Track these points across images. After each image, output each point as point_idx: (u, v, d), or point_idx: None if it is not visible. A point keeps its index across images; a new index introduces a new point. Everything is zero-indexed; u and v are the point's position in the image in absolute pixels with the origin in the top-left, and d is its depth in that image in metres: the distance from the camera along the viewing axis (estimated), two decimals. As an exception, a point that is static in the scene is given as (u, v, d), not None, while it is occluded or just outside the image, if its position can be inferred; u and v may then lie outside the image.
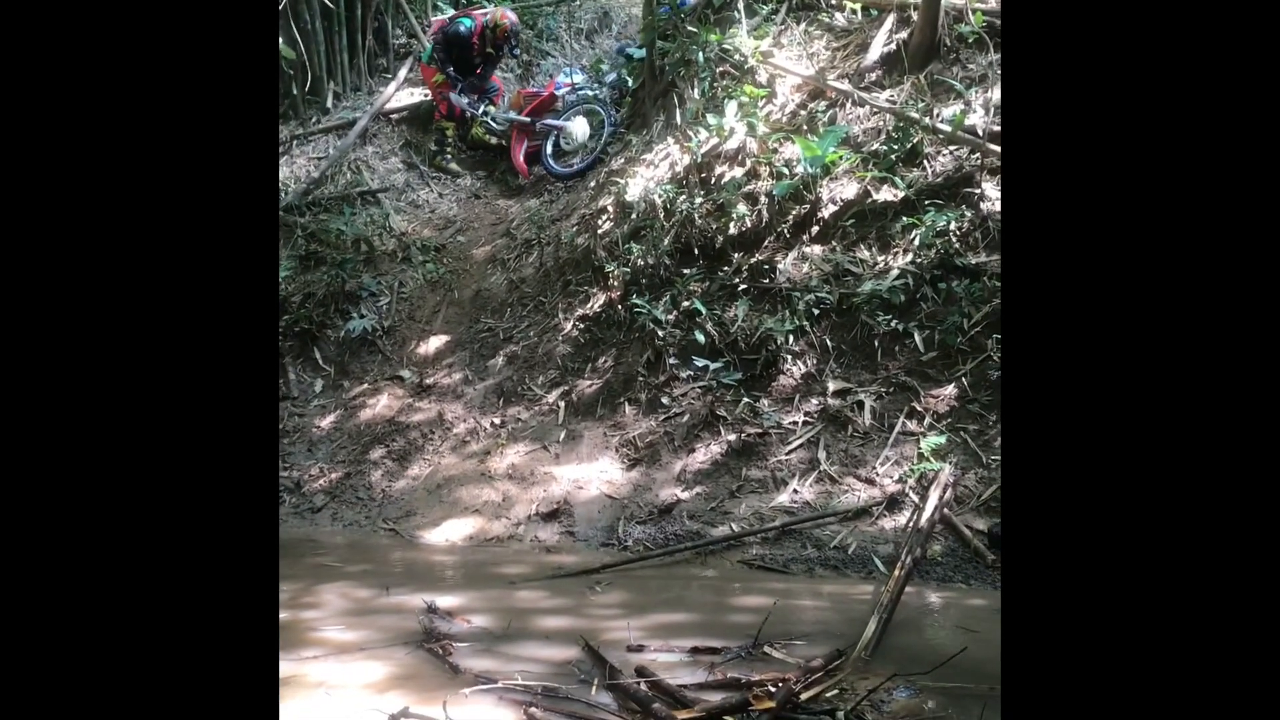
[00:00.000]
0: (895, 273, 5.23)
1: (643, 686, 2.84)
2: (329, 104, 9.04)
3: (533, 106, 8.35)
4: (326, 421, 6.43)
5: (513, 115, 8.44)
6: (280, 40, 6.62)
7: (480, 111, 8.48)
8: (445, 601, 3.84)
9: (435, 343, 6.83)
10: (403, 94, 9.19)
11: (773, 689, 2.75)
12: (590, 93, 8.26)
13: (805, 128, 6.11)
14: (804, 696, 2.77)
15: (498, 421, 5.90)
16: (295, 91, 8.82)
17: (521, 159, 8.37)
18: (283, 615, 3.80)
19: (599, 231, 6.67)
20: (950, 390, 4.80)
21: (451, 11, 9.00)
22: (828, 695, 2.84)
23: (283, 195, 8.11)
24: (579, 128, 7.94)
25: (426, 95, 8.91)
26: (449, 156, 8.65)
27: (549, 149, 8.10)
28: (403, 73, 9.29)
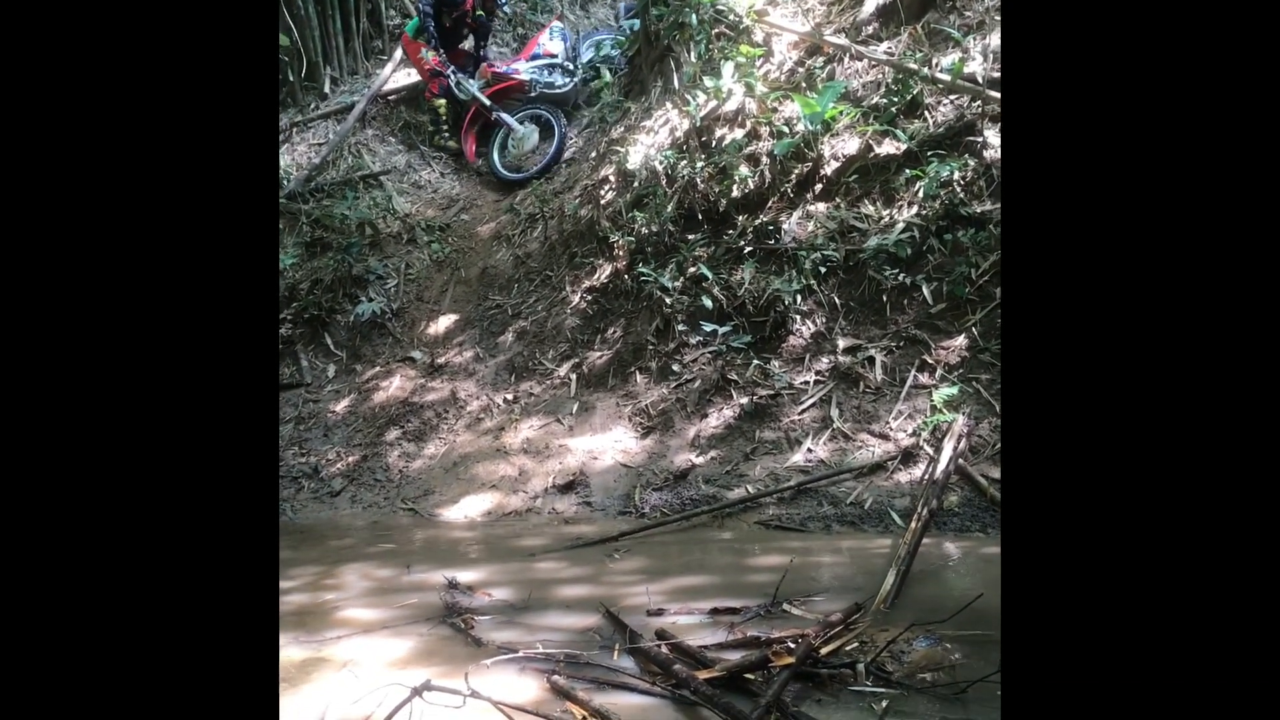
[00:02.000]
0: (901, 226, 5.19)
1: (663, 649, 2.86)
2: (326, 89, 9.03)
3: (497, 88, 8.11)
4: (341, 406, 6.46)
5: (475, 90, 8.12)
6: (273, 27, 6.61)
7: (450, 72, 8.15)
8: (466, 577, 3.87)
9: (444, 322, 6.84)
10: (399, 75, 9.14)
11: (792, 645, 2.76)
12: (560, 84, 8.10)
13: (804, 85, 6.04)
14: (824, 651, 2.78)
15: (510, 397, 5.92)
16: (292, 78, 8.81)
17: (471, 141, 8.25)
18: (307, 598, 3.86)
19: (602, 202, 6.65)
20: (960, 341, 4.77)
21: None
22: (848, 649, 2.85)
23: (285, 183, 8.12)
24: (529, 138, 7.83)
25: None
26: (447, 134, 8.60)
27: (497, 145, 7.97)
28: (398, 53, 9.23)
